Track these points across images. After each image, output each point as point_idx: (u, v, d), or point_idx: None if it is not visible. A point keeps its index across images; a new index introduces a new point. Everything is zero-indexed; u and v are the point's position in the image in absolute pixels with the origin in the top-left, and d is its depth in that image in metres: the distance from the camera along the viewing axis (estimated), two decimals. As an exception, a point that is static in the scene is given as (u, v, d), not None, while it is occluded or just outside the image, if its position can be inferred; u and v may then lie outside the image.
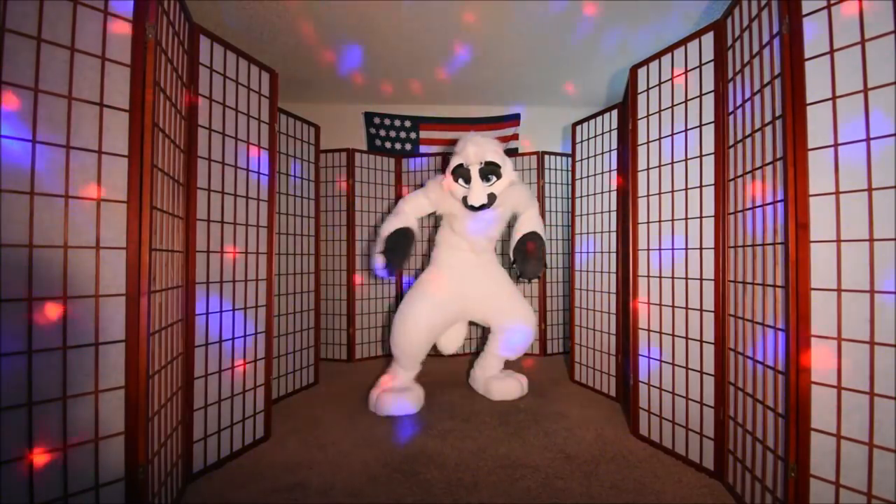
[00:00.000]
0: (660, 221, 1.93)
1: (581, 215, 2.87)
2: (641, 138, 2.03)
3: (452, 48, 3.08)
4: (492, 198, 2.36)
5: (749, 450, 1.47)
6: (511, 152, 4.09)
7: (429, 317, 2.43)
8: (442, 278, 2.53)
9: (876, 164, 1.09)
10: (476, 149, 2.33)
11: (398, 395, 2.35)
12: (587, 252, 2.82)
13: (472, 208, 2.35)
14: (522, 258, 2.44)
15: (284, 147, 2.67)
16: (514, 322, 2.53)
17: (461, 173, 2.35)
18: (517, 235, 2.50)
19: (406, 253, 2.40)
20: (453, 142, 2.60)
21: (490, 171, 2.35)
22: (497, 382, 2.56)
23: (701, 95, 1.75)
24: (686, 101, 1.81)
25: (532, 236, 2.47)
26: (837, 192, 1.15)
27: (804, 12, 1.21)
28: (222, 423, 1.80)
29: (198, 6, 2.35)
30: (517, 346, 2.58)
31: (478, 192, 2.33)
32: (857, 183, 1.12)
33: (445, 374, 3.09)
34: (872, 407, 1.08)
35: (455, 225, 2.51)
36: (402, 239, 2.39)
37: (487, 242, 2.56)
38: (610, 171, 2.61)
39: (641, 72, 2.05)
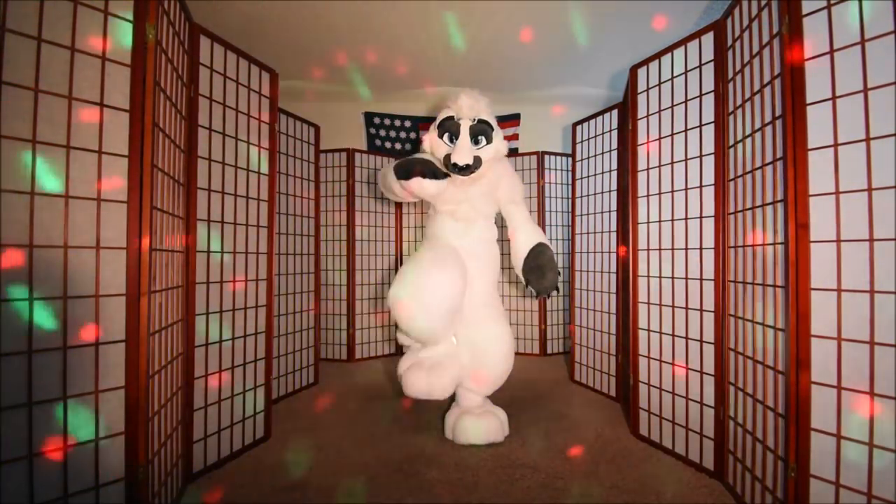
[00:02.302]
0: (660, 221, 1.93)
1: (581, 215, 2.87)
2: (641, 138, 2.03)
3: (452, 48, 3.08)
4: (478, 161, 1.98)
5: (749, 450, 1.47)
6: (511, 152, 4.10)
7: (434, 270, 1.90)
8: (436, 241, 2.14)
9: (876, 164, 1.08)
10: (471, 102, 2.01)
11: (430, 373, 1.91)
12: (587, 252, 2.82)
13: (455, 168, 1.95)
14: (538, 277, 2.05)
15: (284, 147, 2.67)
16: (489, 350, 2.01)
17: (449, 127, 2.00)
18: (521, 249, 2.10)
19: (428, 161, 1.98)
20: None
21: (481, 130, 2.00)
22: (469, 420, 1.99)
23: (701, 95, 1.75)
24: (686, 101, 1.81)
25: (540, 249, 2.07)
26: (837, 192, 1.15)
27: (804, 12, 1.21)
28: (222, 423, 1.80)
29: (198, 6, 2.35)
30: (483, 389, 2.06)
31: (464, 150, 1.94)
32: (857, 183, 1.12)
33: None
34: (872, 407, 1.08)
35: (437, 201, 2.12)
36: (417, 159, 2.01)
37: (474, 212, 2.14)
38: (610, 171, 2.61)
39: (641, 72, 2.05)
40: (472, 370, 2.02)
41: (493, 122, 2.07)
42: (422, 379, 1.91)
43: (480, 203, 2.14)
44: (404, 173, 1.96)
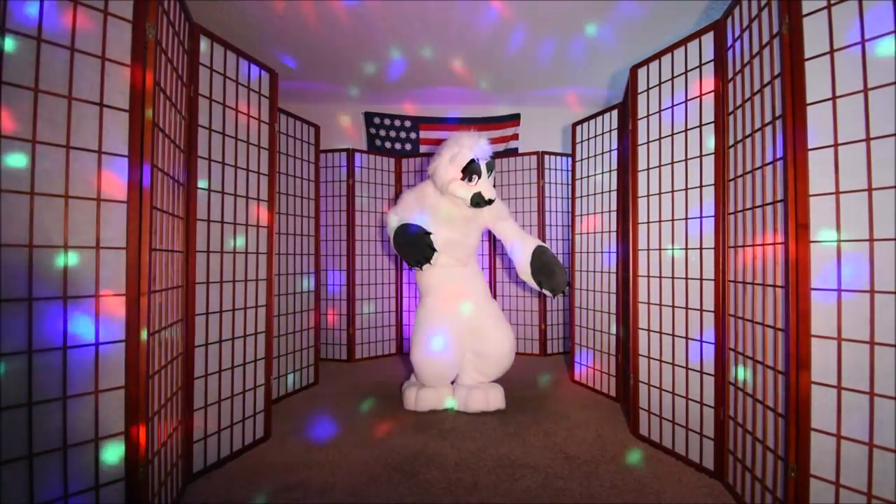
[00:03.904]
0: (660, 221, 1.93)
1: (581, 215, 2.87)
2: (641, 138, 2.03)
3: (452, 48, 3.08)
4: None
5: (749, 450, 1.47)
6: (511, 152, 4.10)
7: (447, 339, 2.36)
8: (438, 299, 2.45)
9: (876, 164, 1.08)
10: (485, 143, 2.32)
11: (433, 391, 2.41)
12: (587, 252, 2.82)
13: (486, 203, 2.27)
14: (547, 276, 2.32)
15: (284, 147, 2.67)
16: (492, 345, 2.42)
17: (475, 169, 2.27)
18: (523, 257, 2.37)
19: (420, 239, 2.23)
20: None
21: (492, 166, 2.33)
22: (478, 392, 2.39)
23: (701, 95, 1.75)
24: (686, 101, 1.81)
25: (541, 250, 2.37)
26: (837, 192, 1.15)
27: (804, 12, 1.21)
28: (222, 423, 1.80)
29: (198, 6, 2.35)
30: (492, 372, 2.49)
31: (489, 185, 2.29)
32: (857, 183, 1.12)
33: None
34: (872, 407, 1.08)
35: (438, 237, 2.34)
36: (409, 232, 2.27)
37: (470, 251, 2.52)
38: (610, 171, 2.61)
39: (641, 72, 2.05)
40: (482, 362, 2.45)
41: None
42: (413, 394, 2.42)
43: (474, 237, 2.52)
44: (415, 263, 2.26)
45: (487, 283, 2.68)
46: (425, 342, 2.36)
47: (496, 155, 3.89)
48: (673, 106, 1.87)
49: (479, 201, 2.28)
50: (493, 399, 2.38)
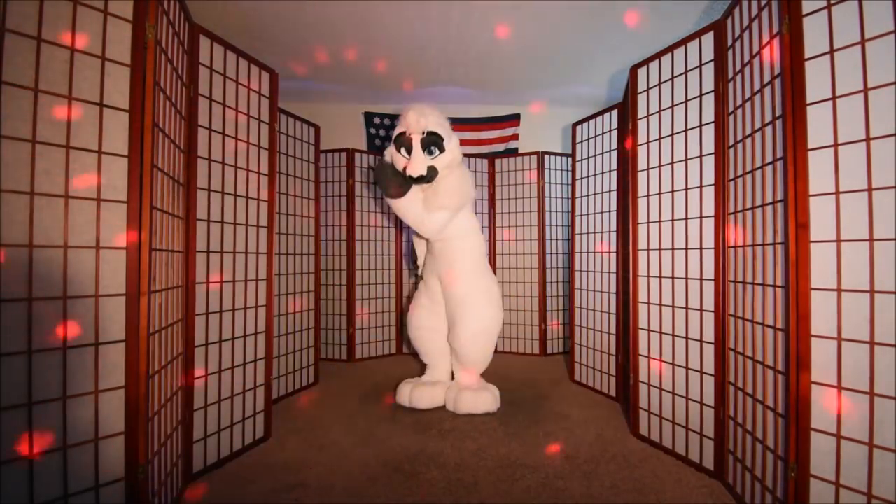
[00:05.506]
0: (660, 221, 1.93)
1: (581, 215, 2.87)
2: (641, 138, 2.03)
3: (452, 48, 3.08)
4: (432, 171, 2.21)
5: (749, 450, 1.47)
6: (511, 152, 4.10)
7: (422, 309, 2.53)
8: (424, 273, 2.63)
9: (876, 164, 1.08)
10: (417, 117, 2.20)
11: (428, 388, 2.43)
12: (587, 252, 2.82)
13: (411, 180, 2.22)
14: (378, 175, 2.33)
15: (284, 147, 2.67)
16: (455, 334, 2.37)
17: (403, 142, 2.22)
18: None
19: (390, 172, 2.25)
20: None
21: (431, 142, 2.21)
22: (467, 394, 2.33)
23: (701, 95, 1.75)
24: (686, 101, 1.81)
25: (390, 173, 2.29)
26: (837, 192, 1.15)
27: (804, 12, 1.21)
28: (222, 423, 1.80)
29: (198, 6, 2.35)
30: (467, 361, 2.40)
31: (418, 162, 2.18)
32: (857, 183, 1.12)
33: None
34: (872, 407, 1.08)
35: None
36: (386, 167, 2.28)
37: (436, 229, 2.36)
38: (610, 171, 2.61)
39: (641, 72, 2.05)
40: (454, 353, 2.46)
41: (444, 131, 2.26)
42: (406, 391, 2.43)
43: None
44: (386, 192, 2.28)
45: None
46: (409, 313, 2.63)
47: (497, 154, 3.91)
48: (673, 106, 1.87)
49: (405, 175, 2.22)
50: (482, 401, 2.31)
